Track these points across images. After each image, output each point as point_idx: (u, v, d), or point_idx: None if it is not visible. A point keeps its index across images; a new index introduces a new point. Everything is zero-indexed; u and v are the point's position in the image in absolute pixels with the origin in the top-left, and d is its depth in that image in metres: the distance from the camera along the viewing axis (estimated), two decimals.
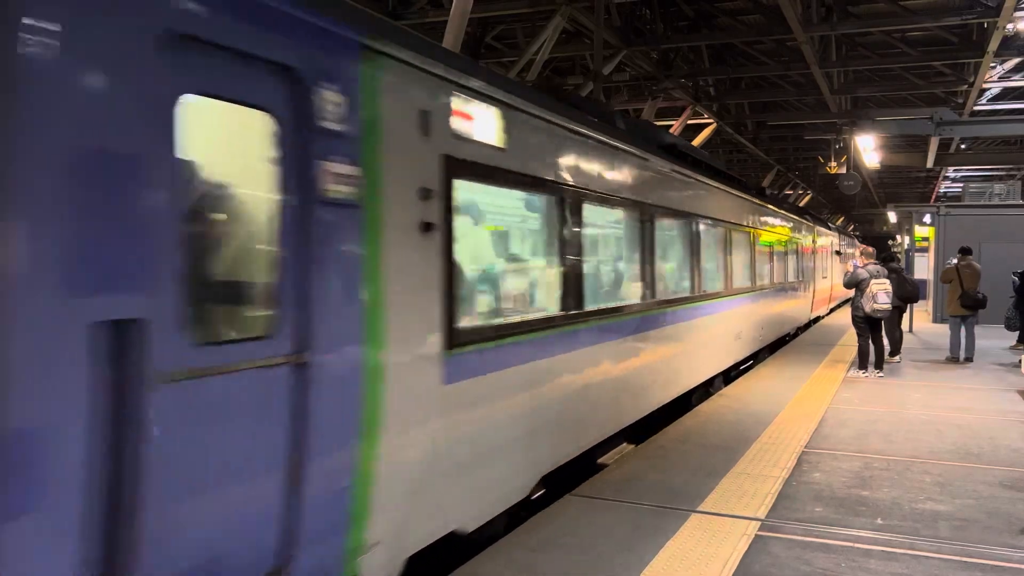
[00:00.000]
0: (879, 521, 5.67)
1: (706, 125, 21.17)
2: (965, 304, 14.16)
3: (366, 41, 3.89)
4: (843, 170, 23.33)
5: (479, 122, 5.01)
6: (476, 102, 4.97)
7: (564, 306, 6.16)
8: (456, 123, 4.74)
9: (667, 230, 9.11)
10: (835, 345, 16.56)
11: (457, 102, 4.76)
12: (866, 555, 5.03)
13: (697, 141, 20.99)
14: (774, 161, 29.16)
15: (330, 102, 3.57)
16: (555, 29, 13.09)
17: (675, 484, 6.48)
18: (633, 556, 4.95)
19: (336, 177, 3.61)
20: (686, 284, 9.80)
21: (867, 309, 12.04)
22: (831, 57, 16.24)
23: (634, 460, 7.23)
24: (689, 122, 19.93)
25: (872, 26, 14.52)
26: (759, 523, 5.57)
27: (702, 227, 10.33)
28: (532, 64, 13.45)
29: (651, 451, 7.57)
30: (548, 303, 6.11)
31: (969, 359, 14.18)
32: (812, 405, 9.89)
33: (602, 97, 14.87)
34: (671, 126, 19.41)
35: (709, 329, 10.75)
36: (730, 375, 12.93)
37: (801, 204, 37.91)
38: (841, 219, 54.90)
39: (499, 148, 5.25)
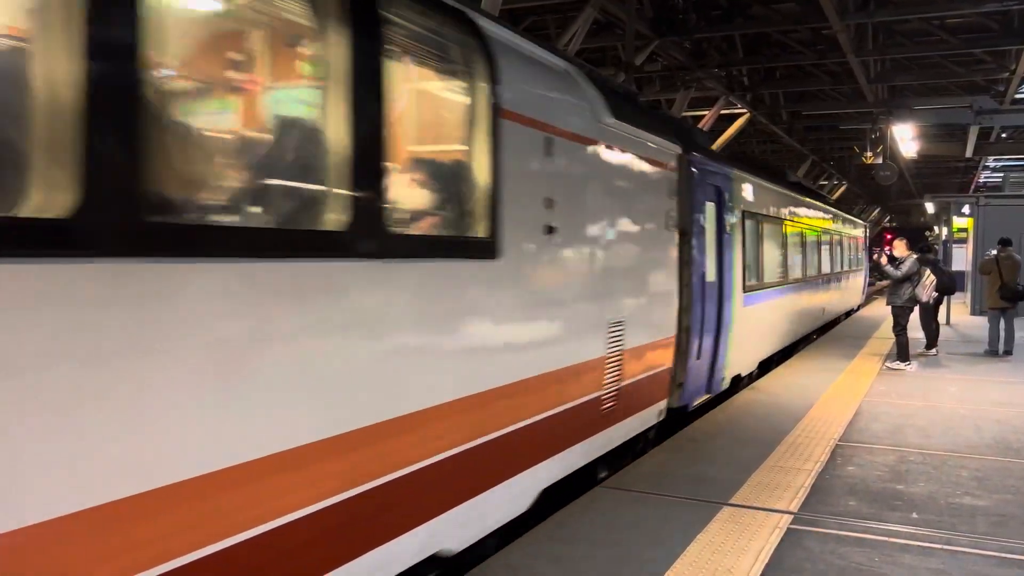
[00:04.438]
0: (915, 516, 5.59)
1: (739, 115, 20.96)
2: (1004, 296, 13.90)
3: None
4: (879, 160, 22.97)
5: None
6: None
7: None
8: None
9: None
10: (871, 338, 16.35)
11: None
12: (902, 550, 4.96)
13: (730, 131, 20.82)
14: (808, 151, 28.82)
15: None
16: (586, 20, 13.03)
17: (706, 477, 6.44)
18: (663, 548, 4.92)
19: None
20: None
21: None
22: (868, 45, 15.98)
23: (665, 453, 7.21)
24: (722, 112, 19.75)
25: (910, 13, 14.26)
26: (792, 516, 5.52)
27: None
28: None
29: (682, 444, 7.54)
30: None
31: (1008, 352, 13.91)
32: (846, 398, 9.77)
33: (634, 87, 14.77)
34: (703, 116, 19.26)
35: None
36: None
37: (835, 195, 37.31)
38: (877, 211, 54.12)
39: None
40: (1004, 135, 25.15)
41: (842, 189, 38.80)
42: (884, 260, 12.76)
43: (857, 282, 24.60)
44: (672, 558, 4.78)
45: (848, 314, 22.58)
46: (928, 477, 6.52)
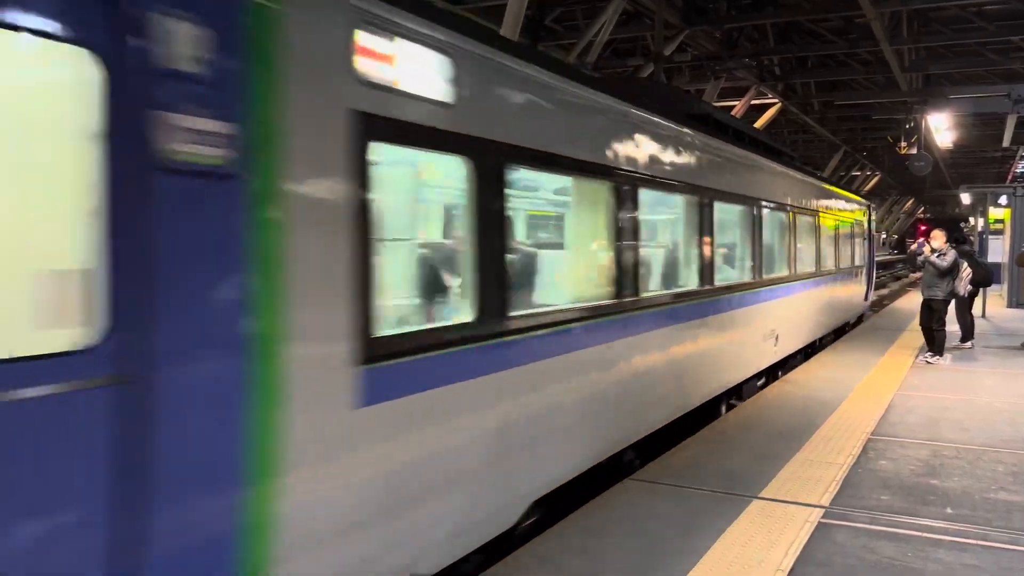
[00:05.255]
0: (949, 511, 5.52)
1: (770, 105, 20.76)
2: None
3: None
4: (914, 151, 22.64)
5: None
6: None
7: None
8: None
9: None
10: (904, 331, 16.13)
11: None
12: (935, 545, 4.90)
13: (761, 121, 20.61)
14: (841, 142, 28.48)
15: None
16: (615, 10, 12.97)
17: (736, 470, 6.40)
18: (690, 541, 4.91)
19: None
20: None
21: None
22: (902, 33, 15.74)
23: (695, 446, 7.17)
24: (753, 102, 19.57)
25: (946, 0, 14.02)
26: (823, 510, 5.47)
27: None
28: (592, 46, 13.34)
29: (712, 436, 7.49)
30: None
31: None
32: (879, 392, 9.66)
33: (663, 78, 14.68)
34: (734, 107, 19.08)
35: None
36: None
37: (868, 187, 36.73)
38: (911, 202, 53.36)
39: None
40: None
41: (875, 180, 38.32)
42: (928, 250, 12.50)
43: (853, 288, 17.73)
44: (702, 550, 4.76)
45: (839, 333, 16.46)
46: (963, 472, 6.43)
